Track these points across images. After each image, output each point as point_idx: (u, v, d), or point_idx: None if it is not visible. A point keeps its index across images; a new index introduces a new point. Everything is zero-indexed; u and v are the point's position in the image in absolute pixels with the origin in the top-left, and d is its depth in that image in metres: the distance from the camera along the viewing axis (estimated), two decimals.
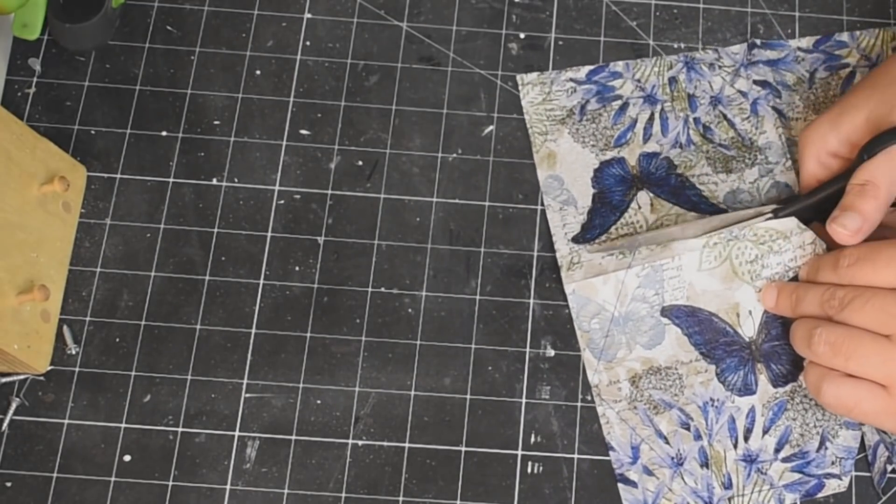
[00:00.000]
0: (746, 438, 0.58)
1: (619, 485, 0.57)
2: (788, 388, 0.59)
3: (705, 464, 0.57)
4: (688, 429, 0.58)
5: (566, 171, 0.63)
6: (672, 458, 0.58)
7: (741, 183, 0.63)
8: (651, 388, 0.58)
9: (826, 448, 0.58)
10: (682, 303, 0.59)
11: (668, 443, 0.58)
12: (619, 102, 0.65)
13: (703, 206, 0.62)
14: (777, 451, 0.58)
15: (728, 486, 0.57)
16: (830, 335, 0.54)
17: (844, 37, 0.67)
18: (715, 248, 0.58)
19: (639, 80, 0.65)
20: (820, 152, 0.59)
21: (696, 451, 0.58)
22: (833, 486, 0.57)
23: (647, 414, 0.58)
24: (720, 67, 0.66)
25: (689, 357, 0.59)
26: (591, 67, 0.66)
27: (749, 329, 0.59)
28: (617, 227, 0.62)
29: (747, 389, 0.58)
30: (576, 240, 0.62)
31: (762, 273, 0.58)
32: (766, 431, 0.58)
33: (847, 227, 0.55)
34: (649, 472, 0.57)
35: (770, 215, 0.59)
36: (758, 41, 0.66)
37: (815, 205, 0.59)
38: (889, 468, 0.58)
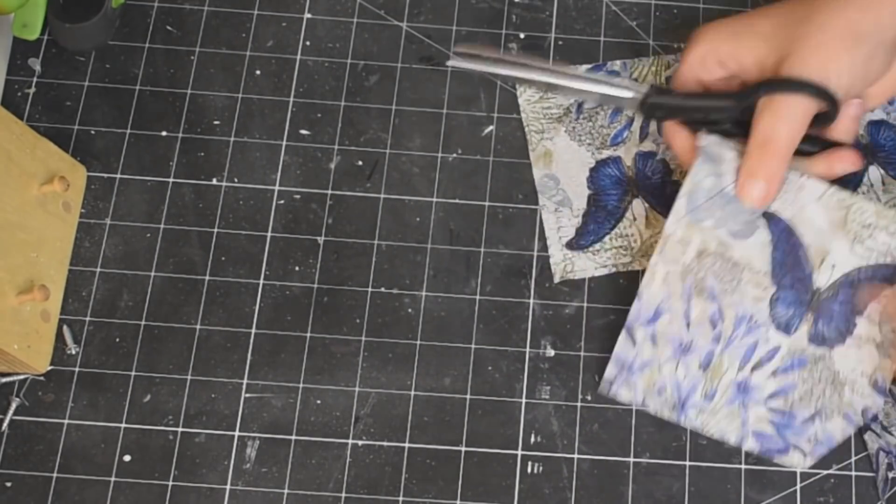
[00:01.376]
0: (754, 369, 0.58)
1: (622, 333, 0.57)
2: (820, 351, 0.58)
3: (704, 367, 0.58)
4: (714, 327, 0.58)
5: (562, 170, 0.64)
6: (681, 344, 0.58)
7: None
8: (711, 270, 0.58)
9: (812, 424, 0.58)
10: (786, 217, 0.58)
11: (688, 327, 0.58)
12: None
13: None
14: (770, 397, 0.58)
15: (709, 398, 0.58)
16: None
17: None
18: (841, 193, 0.58)
19: (636, 80, 0.65)
20: (707, 55, 0.57)
21: (705, 351, 0.58)
22: (794, 460, 0.58)
23: (691, 291, 0.58)
24: None
25: (761, 267, 0.58)
26: (589, 66, 0.66)
27: (823, 279, 0.59)
28: (611, 238, 0.62)
29: (786, 328, 0.58)
30: (570, 245, 0.62)
31: (866, 241, 0.58)
32: (774, 374, 0.58)
33: (754, 196, 0.55)
34: (654, 341, 0.57)
35: (639, 97, 0.57)
36: None
37: (684, 107, 0.57)
38: (891, 475, 0.58)
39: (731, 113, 0.56)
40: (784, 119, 0.54)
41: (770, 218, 0.58)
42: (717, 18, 0.67)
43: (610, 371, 0.58)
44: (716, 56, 0.57)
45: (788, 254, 0.58)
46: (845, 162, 0.57)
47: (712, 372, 0.57)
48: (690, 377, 0.57)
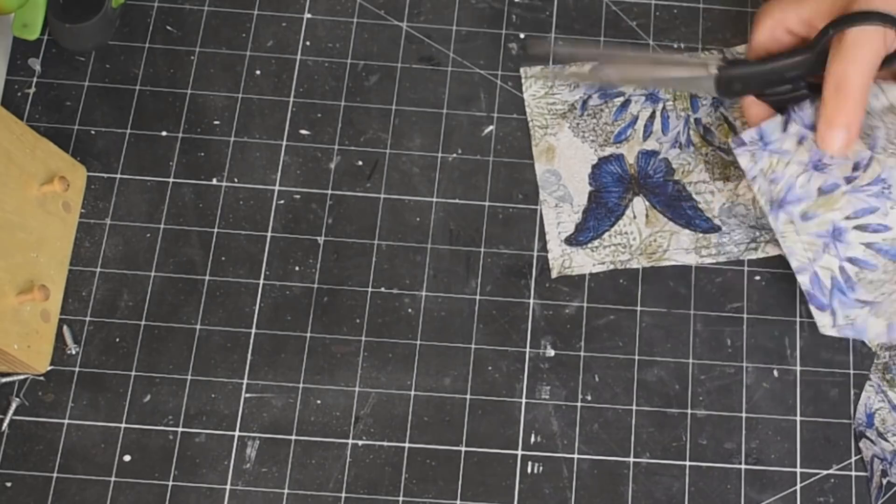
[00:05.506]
0: (857, 227, 0.57)
1: (778, 115, 0.57)
2: None
3: (823, 193, 0.57)
4: (854, 170, 0.56)
5: (564, 166, 0.64)
6: (820, 160, 0.56)
7: (735, 196, 0.63)
8: (893, 127, 0.56)
9: (861, 308, 0.57)
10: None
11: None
12: (622, 99, 0.65)
13: (697, 221, 0.62)
14: (849, 259, 0.57)
15: (806, 219, 0.57)
16: None
17: None
18: None
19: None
20: (776, 26, 0.58)
21: (832, 181, 0.56)
22: (824, 320, 0.57)
23: (869, 136, 0.56)
24: None
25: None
26: (595, 63, 0.66)
27: None
28: (610, 235, 0.62)
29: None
30: (569, 241, 0.62)
31: None
32: (868, 245, 0.57)
33: (836, 144, 0.55)
34: (801, 141, 0.57)
35: (716, 73, 0.58)
36: None
37: (761, 72, 0.58)
38: (885, 482, 0.58)
39: (808, 65, 0.56)
40: (854, 53, 0.54)
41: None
42: (718, 17, 0.67)
43: (748, 135, 0.57)
44: (783, 25, 0.57)
45: None
46: None
47: (825, 200, 0.57)
48: (805, 190, 0.57)
